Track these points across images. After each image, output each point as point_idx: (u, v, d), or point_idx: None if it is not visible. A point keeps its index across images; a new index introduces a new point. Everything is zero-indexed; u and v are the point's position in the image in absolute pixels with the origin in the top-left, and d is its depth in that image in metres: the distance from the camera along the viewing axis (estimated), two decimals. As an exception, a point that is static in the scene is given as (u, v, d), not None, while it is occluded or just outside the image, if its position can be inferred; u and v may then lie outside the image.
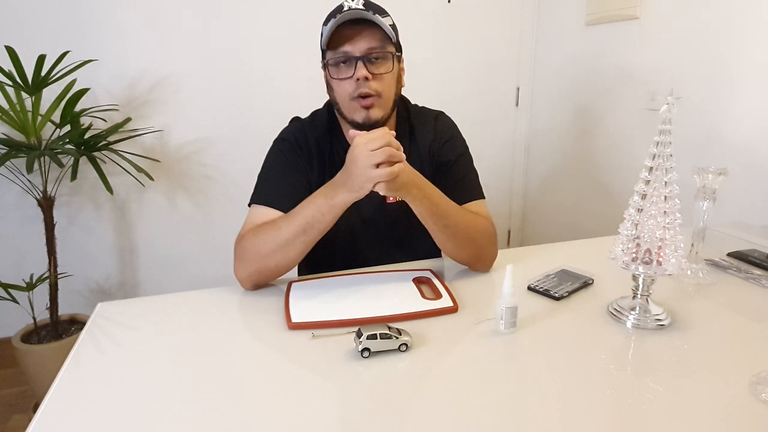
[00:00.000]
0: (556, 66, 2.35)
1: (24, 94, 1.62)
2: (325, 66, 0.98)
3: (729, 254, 1.14)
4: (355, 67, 0.93)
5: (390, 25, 0.95)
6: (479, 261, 1.02)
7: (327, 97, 1.09)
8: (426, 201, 0.92)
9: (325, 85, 1.02)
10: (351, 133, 0.86)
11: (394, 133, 0.85)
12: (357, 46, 0.93)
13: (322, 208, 0.88)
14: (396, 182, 0.84)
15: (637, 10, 1.81)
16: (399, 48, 1.00)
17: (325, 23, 0.96)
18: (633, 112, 1.90)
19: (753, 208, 1.46)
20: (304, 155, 1.04)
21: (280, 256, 0.91)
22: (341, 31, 0.92)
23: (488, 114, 2.51)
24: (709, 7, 1.56)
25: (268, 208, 0.98)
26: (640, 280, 0.83)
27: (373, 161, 0.81)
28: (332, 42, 0.93)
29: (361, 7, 0.93)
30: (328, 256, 1.09)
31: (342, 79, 0.95)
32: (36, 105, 1.64)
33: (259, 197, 1.01)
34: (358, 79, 0.93)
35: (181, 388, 0.66)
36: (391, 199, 1.08)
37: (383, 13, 0.96)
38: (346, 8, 0.92)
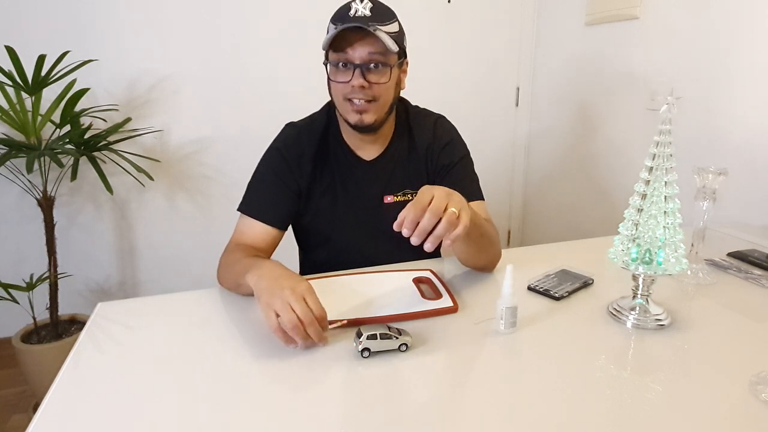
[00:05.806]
0: (556, 66, 2.35)
1: (24, 94, 1.62)
2: (326, 64, 0.98)
3: (729, 254, 1.14)
4: (353, 74, 0.93)
5: (395, 32, 0.94)
6: (491, 264, 1.02)
7: (327, 98, 1.09)
8: (474, 230, 0.86)
9: (326, 80, 1.01)
10: None
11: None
12: (357, 53, 0.92)
13: (243, 278, 0.84)
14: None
15: (637, 10, 1.81)
16: (403, 53, 1.00)
17: (332, 21, 0.95)
18: (633, 112, 1.90)
19: (753, 208, 1.46)
20: (293, 164, 1.04)
21: (237, 291, 0.93)
22: (345, 33, 0.91)
23: (488, 114, 2.51)
24: (709, 7, 1.56)
25: (252, 220, 1.02)
26: (640, 280, 0.83)
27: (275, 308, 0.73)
28: (334, 44, 0.93)
29: (368, 13, 0.92)
30: (329, 256, 1.09)
31: (338, 82, 0.95)
32: (36, 105, 1.64)
33: (245, 206, 1.04)
34: (353, 86, 0.93)
35: (181, 388, 0.66)
36: (389, 199, 1.08)
37: (390, 18, 0.95)
38: (352, 13, 0.92)
